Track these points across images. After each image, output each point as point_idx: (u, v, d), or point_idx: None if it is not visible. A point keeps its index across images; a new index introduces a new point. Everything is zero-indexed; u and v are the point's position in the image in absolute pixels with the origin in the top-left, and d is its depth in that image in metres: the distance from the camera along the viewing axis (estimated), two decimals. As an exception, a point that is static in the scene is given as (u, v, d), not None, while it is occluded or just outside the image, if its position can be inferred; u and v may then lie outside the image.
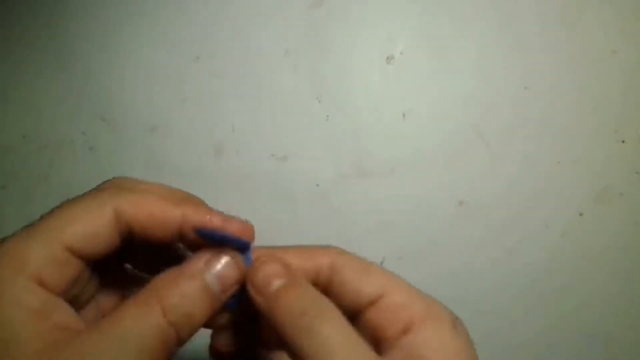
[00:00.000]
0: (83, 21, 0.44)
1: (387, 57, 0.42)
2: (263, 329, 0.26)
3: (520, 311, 0.42)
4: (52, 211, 0.22)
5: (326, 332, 0.20)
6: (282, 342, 0.21)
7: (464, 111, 0.42)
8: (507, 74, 0.42)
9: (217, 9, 0.43)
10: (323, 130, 0.43)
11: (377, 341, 0.22)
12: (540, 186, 0.42)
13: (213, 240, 0.23)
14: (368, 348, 0.21)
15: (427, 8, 0.42)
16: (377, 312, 0.23)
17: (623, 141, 0.41)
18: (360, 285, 0.23)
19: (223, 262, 0.22)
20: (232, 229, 0.23)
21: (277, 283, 0.22)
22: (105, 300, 0.25)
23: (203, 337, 0.25)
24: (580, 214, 0.41)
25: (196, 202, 0.25)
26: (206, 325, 0.23)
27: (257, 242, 0.24)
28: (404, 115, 0.42)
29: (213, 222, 0.23)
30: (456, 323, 0.23)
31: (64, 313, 0.20)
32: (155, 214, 0.22)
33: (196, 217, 0.23)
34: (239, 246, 0.23)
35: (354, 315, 0.23)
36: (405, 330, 0.22)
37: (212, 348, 0.26)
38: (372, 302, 0.23)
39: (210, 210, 0.24)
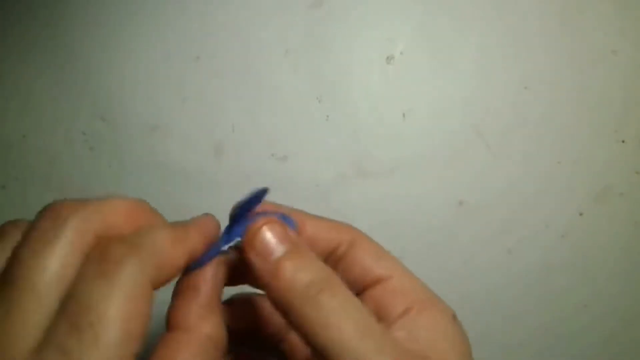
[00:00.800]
0: (83, 21, 0.44)
1: (387, 57, 0.42)
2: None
3: (520, 311, 0.42)
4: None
5: (334, 303, 0.20)
6: (285, 313, 0.21)
7: (464, 111, 0.42)
8: (507, 74, 0.42)
9: (217, 9, 0.43)
10: (323, 130, 0.43)
11: (377, 319, 0.22)
12: (540, 186, 0.42)
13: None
14: (375, 321, 0.20)
15: (427, 8, 0.42)
16: (382, 291, 0.23)
17: (623, 141, 0.41)
18: (372, 264, 0.24)
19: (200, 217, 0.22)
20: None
21: (280, 249, 0.21)
22: None
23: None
24: (580, 214, 0.41)
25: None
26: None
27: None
28: (404, 115, 0.42)
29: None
30: (455, 317, 0.23)
31: None
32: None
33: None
34: (254, 199, 0.23)
35: (356, 292, 0.24)
36: (407, 312, 0.22)
37: None
38: (378, 281, 0.23)
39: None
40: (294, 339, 0.28)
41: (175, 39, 0.43)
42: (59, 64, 0.44)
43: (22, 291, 0.17)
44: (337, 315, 0.20)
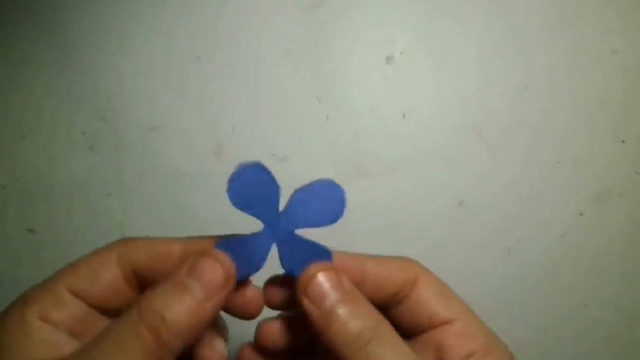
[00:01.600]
0: (83, 21, 0.44)
1: (387, 57, 0.42)
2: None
3: (520, 311, 0.42)
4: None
5: (383, 353, 0.21)
6: (335, 358, 0.21)
7: (464, 111, 0.42)
8: (507, 74, 0.42)
9: (217, 9, 0.43)
10: (323, 130, 0.43)
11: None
12: (540, 186, 0.42)
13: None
14: None
15: (428, 8, 0.42)
16: (446, 333, 0.24)
17: (623, 141, 0.41)
18: (437, 305, 0.24)
19: (205, 265, 0.22)
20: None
21: (332, 297, 0.22)
22: None
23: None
24: (580, 214, 0.41)
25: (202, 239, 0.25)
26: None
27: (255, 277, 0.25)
28: (404, 115, 0.42)
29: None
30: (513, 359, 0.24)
31: (63, 343, 0.22)
32: (155, 250, 0.24)
33: (197, 245, 0.23)
34: (314, 255, 0.23)
35: (418, 332, 0.24)
36: (469, 356, 0.23)
37: (256, 340, 0.26)
38: (443, 323, 0.24)
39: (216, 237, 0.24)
40: None
41: (175, 39, 0.43)
42: (59, 64, 0.44)
43: None
44: None
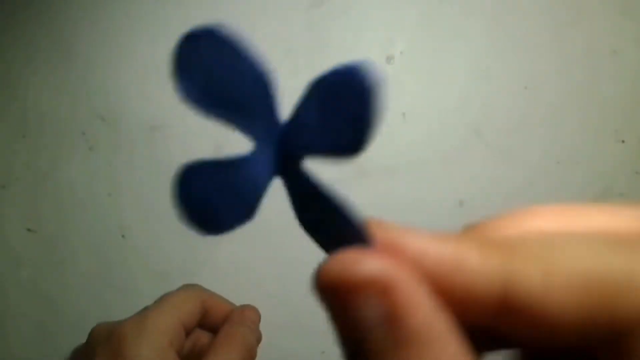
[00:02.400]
0: (82, 20, 0.44)
1: (387, 57, 0.42)
2: None
3: (520, 311, 0.42)
4: (158, 301, 0.34)
5: None
6: None
7: (464, 111, 0.42)
8: (507, 74, 0.42)
9: (217, 9, 0.43)
10: (323, 130, 0.43)
11: None
12: (540, 186, 0.42)
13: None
14: None
15: (427, 8, 0.42)
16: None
17: (623, 141, 0.41)
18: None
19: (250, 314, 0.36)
20: None
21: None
22: None
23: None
24: (580, 214, 0.41)
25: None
26: None
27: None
28: (403, 115, 0.42)
29: None
30: None
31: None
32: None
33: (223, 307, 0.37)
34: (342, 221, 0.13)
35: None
36: None
37: None
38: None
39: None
40: None
41: (175, 39, 0.43)
42: (59, 63, 0.44)
43: None
44: None
